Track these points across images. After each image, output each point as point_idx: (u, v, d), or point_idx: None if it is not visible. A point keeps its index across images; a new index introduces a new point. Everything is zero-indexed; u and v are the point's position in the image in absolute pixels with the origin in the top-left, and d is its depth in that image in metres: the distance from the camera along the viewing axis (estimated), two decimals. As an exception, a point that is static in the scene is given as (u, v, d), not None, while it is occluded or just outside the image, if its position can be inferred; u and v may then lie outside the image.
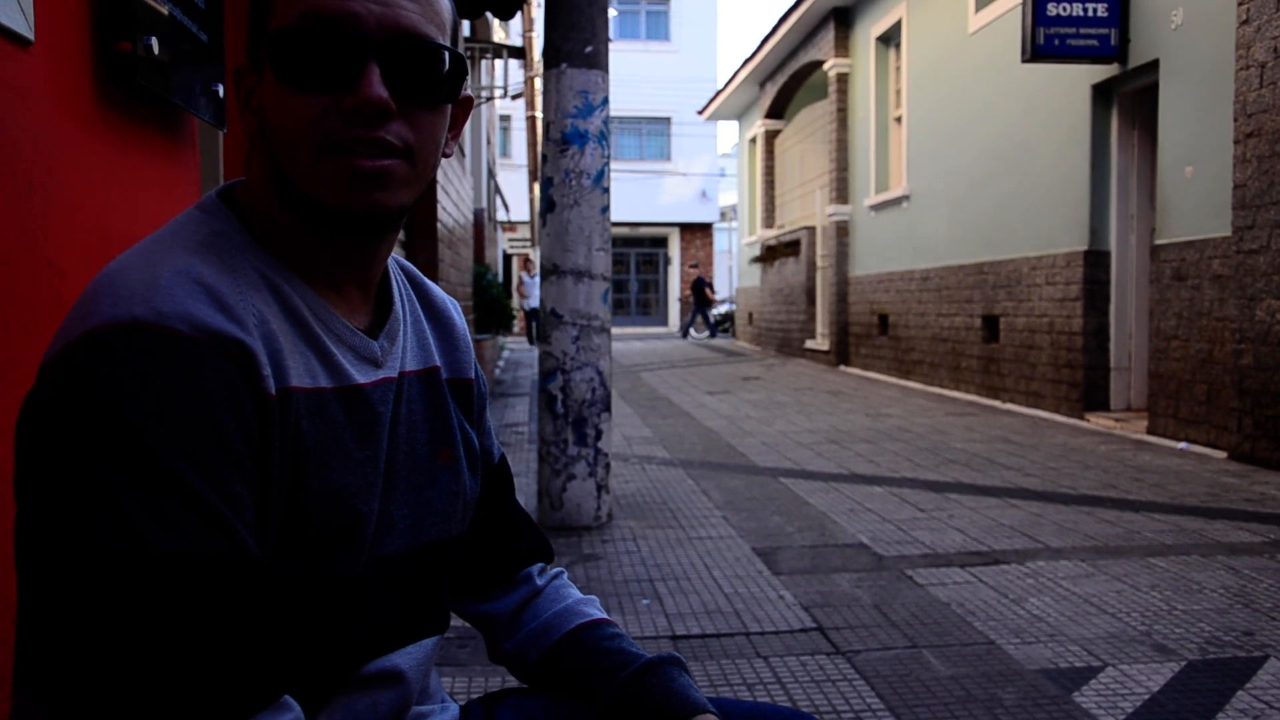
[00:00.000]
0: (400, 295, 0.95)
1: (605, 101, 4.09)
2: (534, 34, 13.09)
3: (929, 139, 9.93)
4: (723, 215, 28.59)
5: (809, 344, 13.41)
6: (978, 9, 8.83)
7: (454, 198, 7.25)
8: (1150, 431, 6.39)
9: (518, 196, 22.51)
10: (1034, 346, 7.83)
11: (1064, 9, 6.68)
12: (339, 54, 0.78)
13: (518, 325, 20.89)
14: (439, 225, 5.97)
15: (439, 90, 0.83)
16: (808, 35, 13.33)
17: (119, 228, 1.77)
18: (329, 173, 0.79)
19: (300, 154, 0.79)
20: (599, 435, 4.08)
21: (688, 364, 13.54)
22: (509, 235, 23.60)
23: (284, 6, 0.79)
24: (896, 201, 10.69)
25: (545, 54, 4.13)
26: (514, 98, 11.59)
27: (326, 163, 0.79)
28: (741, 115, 18.48)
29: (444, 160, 0.89)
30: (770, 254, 15.20)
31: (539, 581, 1.06)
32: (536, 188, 14.83)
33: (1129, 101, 7.05)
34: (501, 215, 18.82)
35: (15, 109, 1.41)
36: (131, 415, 0.68)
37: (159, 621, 0.67)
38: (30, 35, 1.44)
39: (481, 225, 11.26)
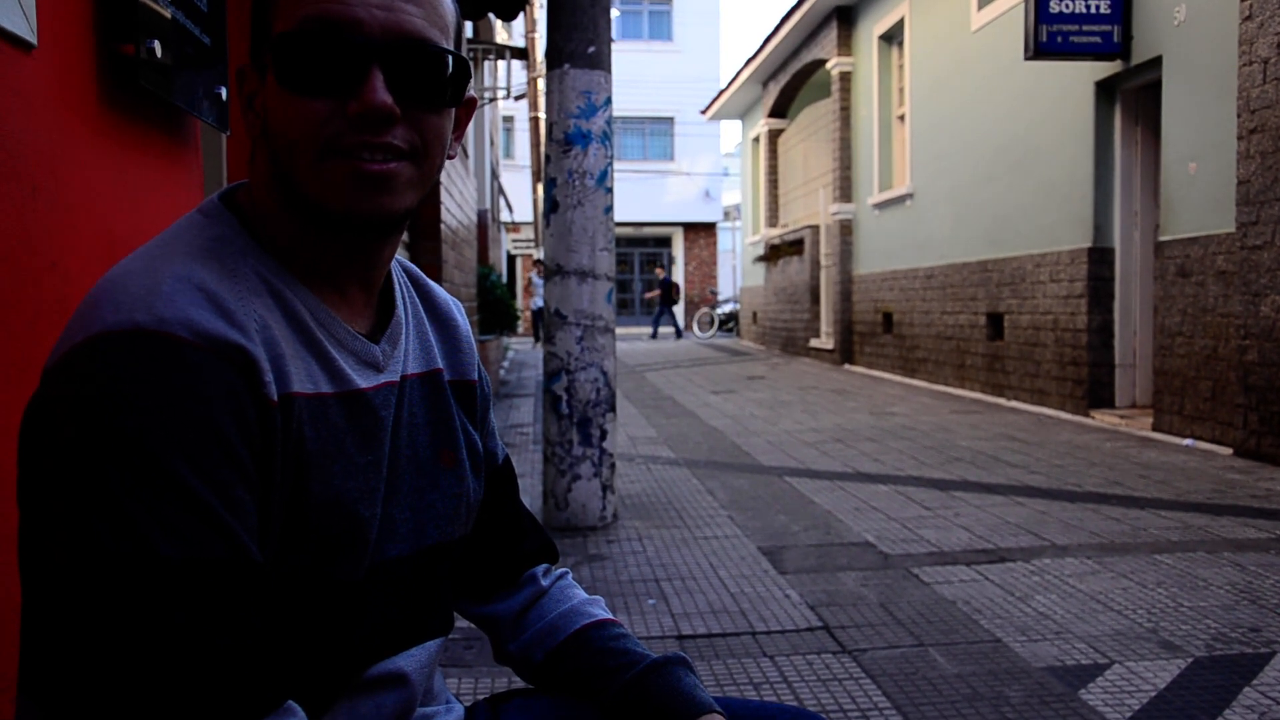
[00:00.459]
0: (403, 297, 0.95)
1: (608, 102, 4.09)
2: (536, 35, 13.12)
3: (932, 137, 9.92)
4: (726, 215, 28.56)
5: (813, 343, 13.40)
6: (980, 7, 8.81)
7: (458, 199, 7.26)
8: (1155, 428, 6.38)
9: (521, 197, 22.54)
10: (1038, 344, 7.82)
11: (1066, 6, 6.66)
12: (342, 59, 0.78)
13: (523, 326, 20.89)
14: (443, 226, 5.97)
15: (443, 94, 0.83)
16: (810, 34, 13.33)
17: (122, 230, 1.78)
18: (333, 176, 0.79)
19: (303, 157, 0.79)
20: (604, 435, 4.08)
21: (692, 364, 13.53)
22: (513, 236, 23.65)
23: (287, 10, 0.79)
24: (900, 200, 10.68)
25: (548, 55, 4.13)
26: (517, 99, 11.60)
27: (330, 166, 0.79)
28: (744, 115, 18.47)
29: (448, 161, 0.89)
30: (774, 253, 15.19)
31: (544, 582, 1.06)
32: (540, 188, 14.87)
33: (1132, 98, 7.04)
34: (505, 216, 18.85)
35: (18, 112, 1.42)
36: (134, 420, 0.68)
37: (161, 625, 0.67)
38: (33, 39, 1.45)
39: (485, 226, 11.28)
